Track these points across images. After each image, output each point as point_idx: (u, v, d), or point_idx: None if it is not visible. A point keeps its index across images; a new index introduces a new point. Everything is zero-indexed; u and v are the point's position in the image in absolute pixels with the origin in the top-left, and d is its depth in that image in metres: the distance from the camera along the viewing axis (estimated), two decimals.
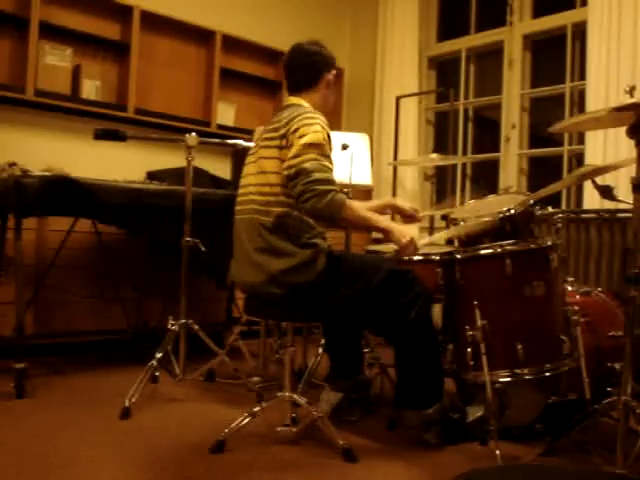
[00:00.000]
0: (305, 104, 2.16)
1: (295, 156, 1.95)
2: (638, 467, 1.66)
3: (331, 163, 2.00)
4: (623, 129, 1.74)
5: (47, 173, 2.74)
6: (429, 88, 4.84)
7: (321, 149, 1.97)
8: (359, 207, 2.03)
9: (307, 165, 1.93)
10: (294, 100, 2.19)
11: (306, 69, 2.21)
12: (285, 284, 1.98)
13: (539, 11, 4.16)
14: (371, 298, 2.04)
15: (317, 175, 1.92)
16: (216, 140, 2.95)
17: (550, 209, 2.89)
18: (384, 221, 2.07)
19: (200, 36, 4.21)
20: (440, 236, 2.42)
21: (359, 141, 4.23)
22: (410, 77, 4.63)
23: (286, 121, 2.02)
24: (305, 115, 2.02)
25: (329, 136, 2.04)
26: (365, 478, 1.83)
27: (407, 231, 2.03)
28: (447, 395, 2.15)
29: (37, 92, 3.42)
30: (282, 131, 2.02)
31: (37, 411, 2.33)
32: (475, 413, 2.17)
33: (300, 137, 1.96)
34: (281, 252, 1.98)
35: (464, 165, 4.47)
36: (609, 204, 2.59)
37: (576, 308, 2.10)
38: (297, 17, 4.84)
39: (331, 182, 1.95)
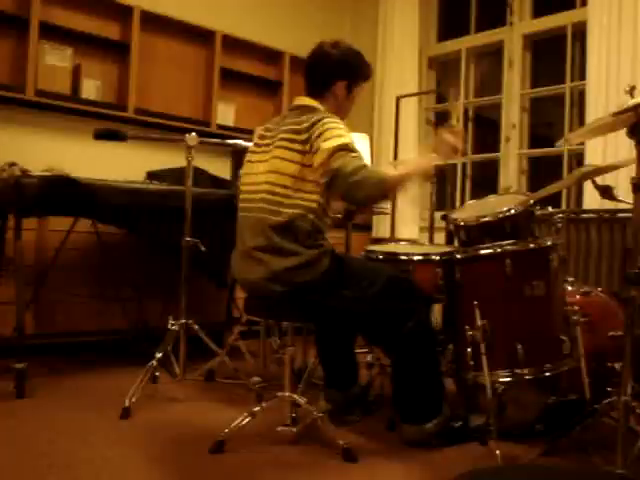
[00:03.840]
0: (320, 107, 2.12)
1: (324, 163, 1.94)
2: (638, 467, 1.66)
3: (358, 152, 1.98)
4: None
5: (47, 173, 2.74)
6: (429, 88, 4.84)
7: (349, 147, 1.96)
8: (391, 171, 2.01)
9: (336, 165, 1.92)
10: (307, 101, 2.15)
11: (314, 76, 2.17)
12: (288, 282, 1.97)
13: (539, 11, 4.15)
14: (370, 302, 2.02)
15: (348, 169, 1.91)
16: (216, 140, 2.95)
17: (550, 209, 2.89)
18: (411, 170, 2.05)
19: (200, 36, 4.21)
20: None
21: (359, 141, 4.22)
22: (410, 77, 4.62)
23: (307, 125, 2.00)
24: (326, 120, 2.00)
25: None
26: (365, 478, 1.83)
27: (426, 158, 2.09)
28: (448, 403, 2.14)
29: (37, 92, 3.42)
30: (304, 136, 1.99)
31: (37, 411, 2.32)
32: (476, 421, 2.16)
33: (325, 140, 1.95)
34: (286, 252, 1.97)
35: (464, 165, 4.47)
36: (609, 204, 2.58)
37: (576, 308, 2.10)
38: (297, 17, 4.83)
39: (361, 165, 1.92)
